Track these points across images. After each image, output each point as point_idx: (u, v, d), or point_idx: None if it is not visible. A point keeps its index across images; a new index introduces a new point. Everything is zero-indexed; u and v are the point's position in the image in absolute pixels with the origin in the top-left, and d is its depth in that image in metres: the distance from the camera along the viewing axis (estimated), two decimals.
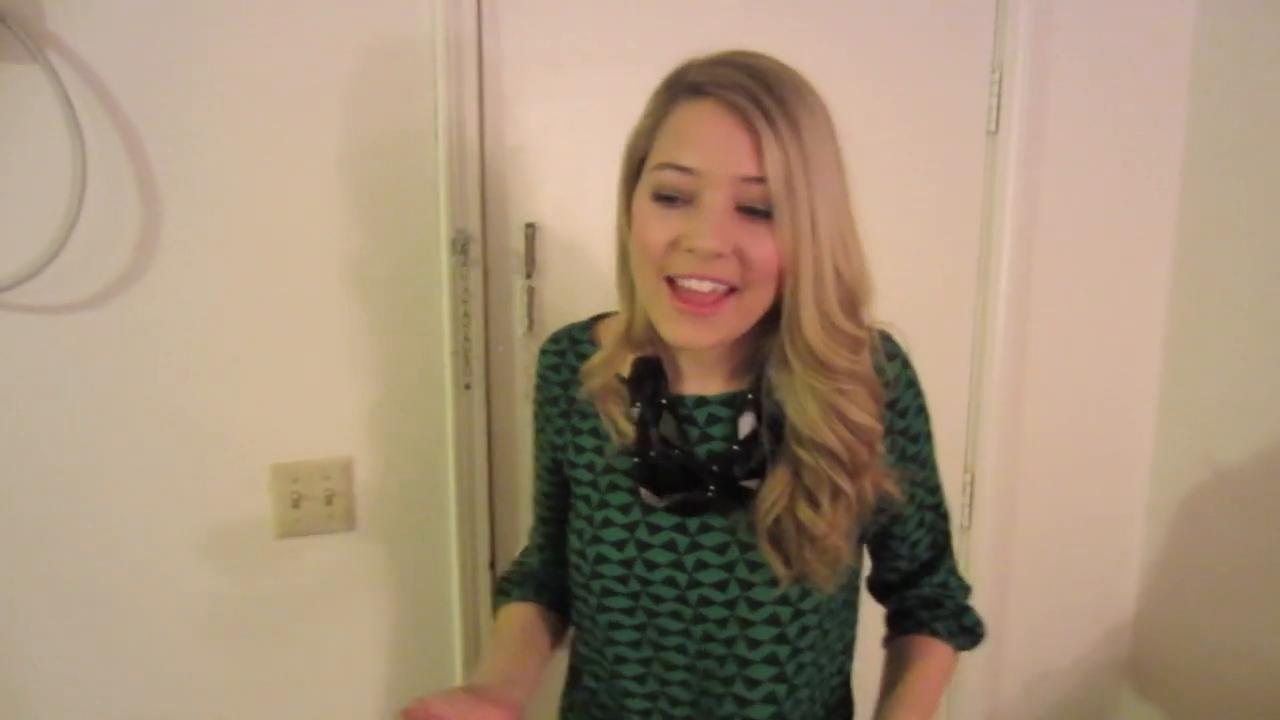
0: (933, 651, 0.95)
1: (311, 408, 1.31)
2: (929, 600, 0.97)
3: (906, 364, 0.91)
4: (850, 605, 0.95)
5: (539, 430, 0.98)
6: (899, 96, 1.54)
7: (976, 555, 1.76)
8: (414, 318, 1.31)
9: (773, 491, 0.83)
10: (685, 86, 0.79)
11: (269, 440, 1.29)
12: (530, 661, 0.94)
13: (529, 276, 1.38)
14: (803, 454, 0.81)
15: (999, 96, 1.59)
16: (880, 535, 0.94)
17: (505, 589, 1.04)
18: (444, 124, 1.27)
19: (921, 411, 0.92)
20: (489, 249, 1.35)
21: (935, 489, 0.95)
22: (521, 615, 0.99)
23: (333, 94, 1.24)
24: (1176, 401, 1.80)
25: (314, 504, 1.31)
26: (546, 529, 1.02)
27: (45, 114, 1.11)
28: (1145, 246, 1.76)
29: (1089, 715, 1.94)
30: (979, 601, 1.00)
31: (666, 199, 0.78)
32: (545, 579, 1.03)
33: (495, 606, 1.04)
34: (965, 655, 1.00)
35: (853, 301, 0.80)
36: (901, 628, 0.99)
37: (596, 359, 0.90)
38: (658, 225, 0.78)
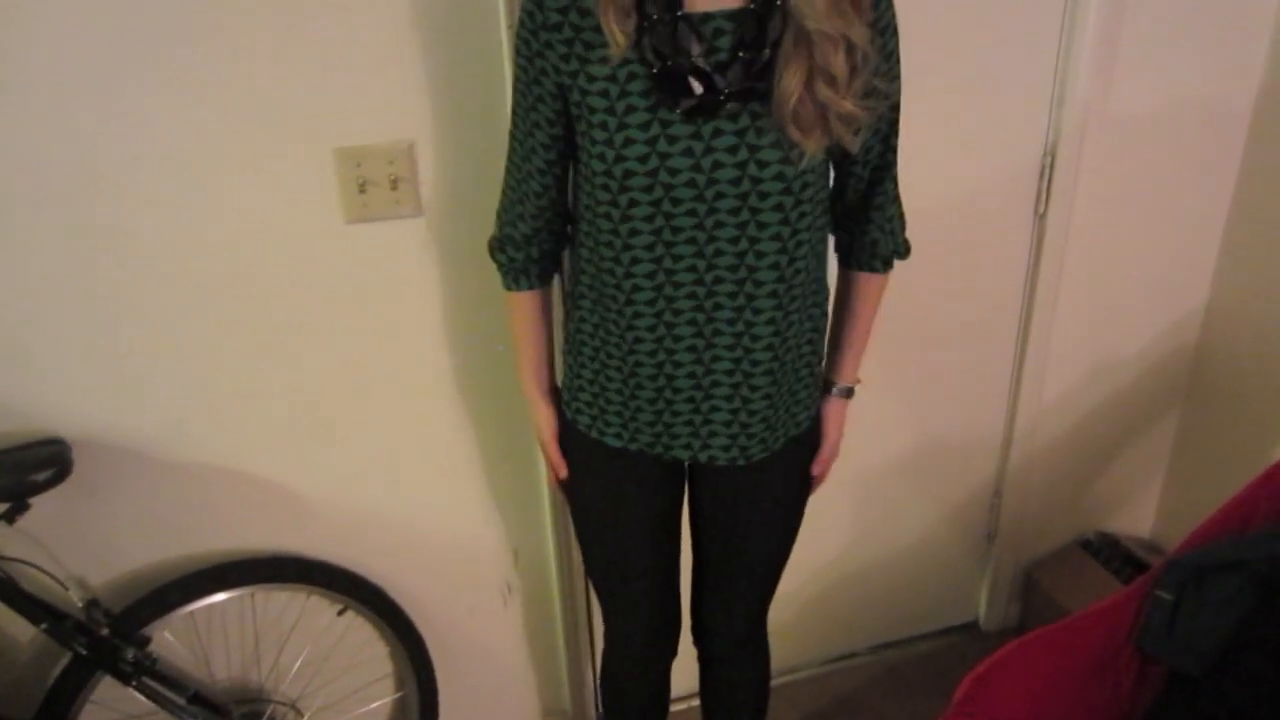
0: (873, 286, 1.25)
1: (371, 90, 1.26)
2: (871, 243, 1.21)
3: None
4: (825, 210, 1.13)
5: (536, 56, 1.02)
6: None
7: (1052, 239, 1.72)
8: None
9: (791, 80, 0.96)
10: None
11: (330, 124, 1.26)
12: (548, 351, 1.26)
13: None
14: (815, 37, 0.95)
15: None
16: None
17: (512, 273, 1.20)
18: None
19: (896, 30, 1.06)
20: None
21: (897, 89, 1.10)
22: (536, 307, 1.23)
23: None
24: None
25: (380, 189, 1.29)
26: (549, 175, 1.10)
27: None
28: None
29: (1149, 403, 1.98)
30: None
31: None
32: (539, 251, 1.18)
33: (506, 284, 1.21)
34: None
35: None
36: (848, 263, 1.25)
37: None
38: None
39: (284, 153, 1.26)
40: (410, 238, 1.36)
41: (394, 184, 1.30)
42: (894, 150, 1.15)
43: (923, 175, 1.60)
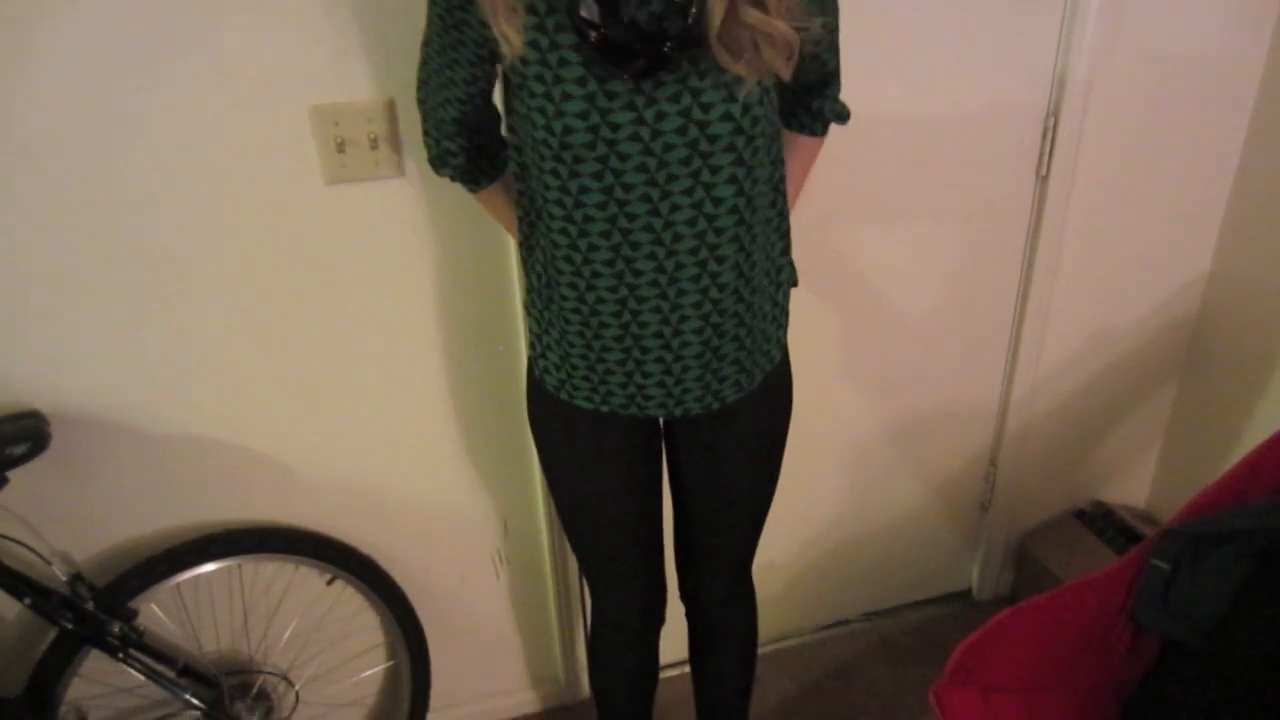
0: (809, 149, 1.25)
1: (348, 45, 1.21)
2: (816, 109, 1.20)
3: None
4: (778, 137, 1.10)
5: (456, 10, 0.98)
6: None
7: (1053, 202, 1.68)
8: None
9: (716, 6, 0.91)
10: None
11: (306, 81, 1.21)
12: None
13: None
14: None
15: None
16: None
17: (466, 178, 1.17)
18: None
19: None
20: None
21: (836, 29, 1.13)
22: (504, 191, 1.19)
23: None
24: None
25: (359, 149, 1.25)
26: (475, 94, 1.08)
27: None
28: None
29: (1147, 372, 1.96)
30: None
31: None
32: (482, 156, 1.15)
33: (467, 189, 1.19)
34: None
35: None
36: (788, 124, 1.22)
37: None
38: None
39: (260, 111, 1.21)
40: (393, 199, 1.32)
41: (374, 143, 1.26)
42: (835, 61, 1.16)
43: (921, 134, 1.57)
